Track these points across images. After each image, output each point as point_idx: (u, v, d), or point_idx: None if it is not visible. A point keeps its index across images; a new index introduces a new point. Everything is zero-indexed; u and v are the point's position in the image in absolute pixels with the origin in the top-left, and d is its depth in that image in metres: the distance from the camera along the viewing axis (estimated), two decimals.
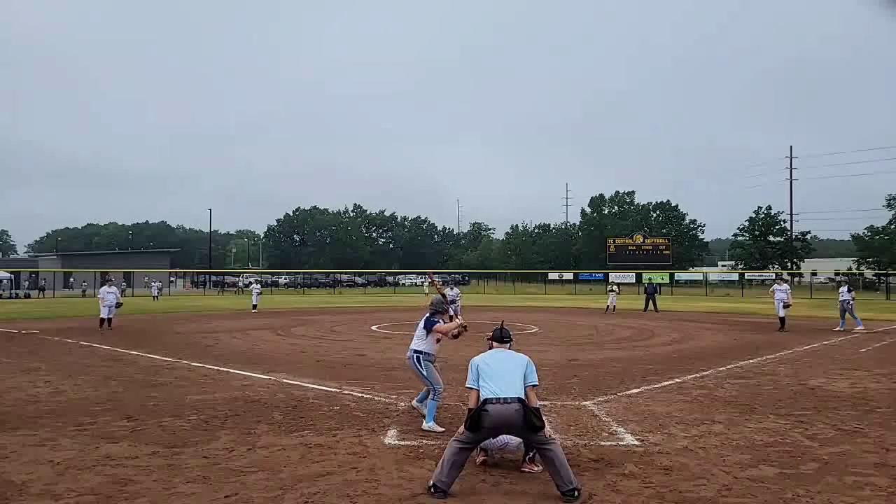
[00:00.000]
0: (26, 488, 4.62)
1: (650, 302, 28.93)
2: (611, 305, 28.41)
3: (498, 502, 4.42)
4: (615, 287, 31.12)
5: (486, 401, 4.68)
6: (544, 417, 4.84)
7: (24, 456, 5.43)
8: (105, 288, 18.61)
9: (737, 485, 4.72)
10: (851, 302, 18.15)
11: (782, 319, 18.13)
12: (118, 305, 18.80)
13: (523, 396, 4.73)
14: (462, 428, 4.77)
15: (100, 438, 6.01)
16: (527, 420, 4.57)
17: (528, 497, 4.50)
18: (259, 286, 32.30)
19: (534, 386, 4.90)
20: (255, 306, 27.82)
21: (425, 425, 6.38)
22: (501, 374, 4.83)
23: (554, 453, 4.52)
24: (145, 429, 6.42)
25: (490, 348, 5.39)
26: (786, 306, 18.24)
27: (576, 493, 4.39)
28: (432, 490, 4.46)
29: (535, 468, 4.97)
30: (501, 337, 5.38)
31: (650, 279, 43.28)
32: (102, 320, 18.14)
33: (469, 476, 4.84)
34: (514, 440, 4.95)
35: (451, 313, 7.17)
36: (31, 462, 5.26)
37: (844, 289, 18.43)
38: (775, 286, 19.16)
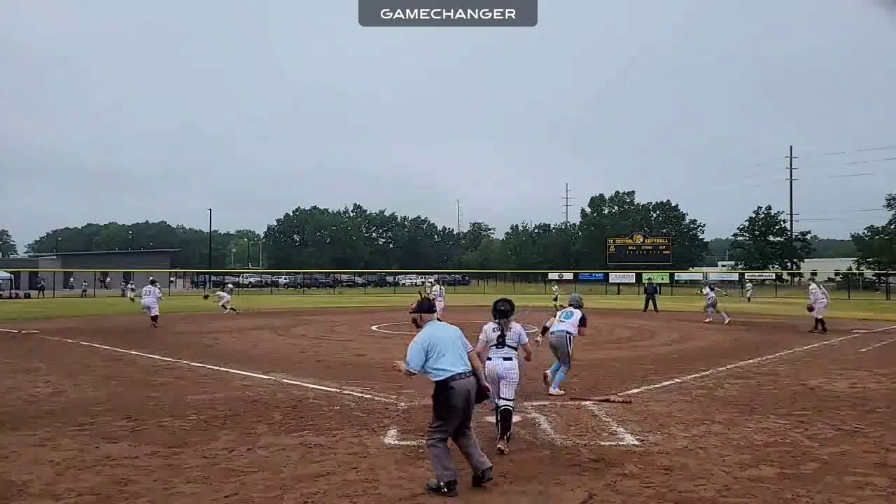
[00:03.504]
0: (26, 488, 4.62)
1: (650, 302, 28.95)
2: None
3: (498, 502, 4.42)
4: (556, 287, 31.06)
5: (449, 379, 4.57)
6: (539, 414, 4.85)
7: (24, 456, 5.44)
8: (149, 287, 19.83)
9: (737, 485, 4.72)
10: (714, 298, 21.93)
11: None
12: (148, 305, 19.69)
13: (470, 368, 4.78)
14: (432, 419, 4.72)
15: (100, 438, 6.01)
16: (479, 390, 4.75)
17: (528, 497, 4.51)
18: (228, 288, 30.62)
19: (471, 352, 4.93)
20: (226, 307, 26.15)
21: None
22: (449, 347, 4.72)
23: (471, 431, 4.79)
24: (145, 429, 6.43)
25: (417, 322, 4.96)
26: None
27: (489, 472, 4.67)
28: (446, 490, 4.46)
29: (504, 447, 5.42)
30: (431, 307, 5.00)
31: (650, 279, 43.18)
32: (155, 317, 19.23)
33: (469, 475, 4.84)
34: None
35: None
36: (31, 462, 5.27)
37: (708, 289, 23.03)
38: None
